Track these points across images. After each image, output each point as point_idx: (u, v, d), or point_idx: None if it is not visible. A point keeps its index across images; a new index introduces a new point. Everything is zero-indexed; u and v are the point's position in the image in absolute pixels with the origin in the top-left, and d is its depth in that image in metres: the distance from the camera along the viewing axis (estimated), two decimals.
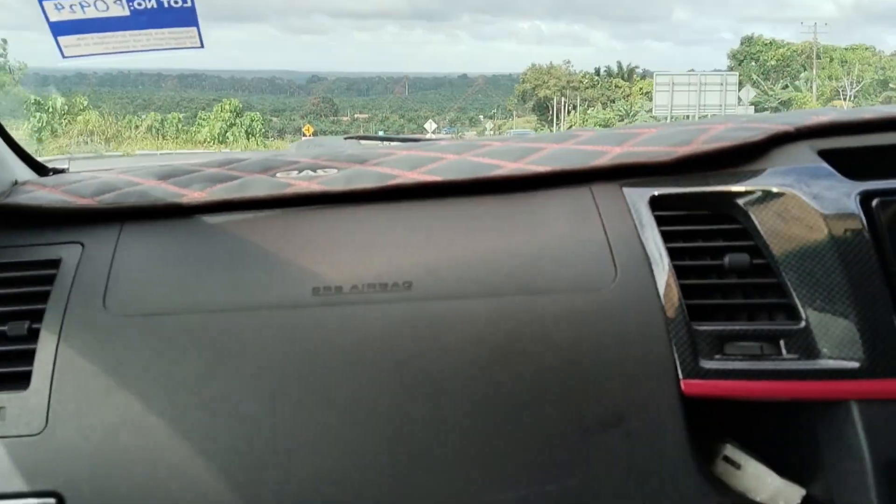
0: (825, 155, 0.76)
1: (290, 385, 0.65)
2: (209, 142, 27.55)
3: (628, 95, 53.40)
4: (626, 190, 0.75)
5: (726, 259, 0.69)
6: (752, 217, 0.70)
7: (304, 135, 39.82)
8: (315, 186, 0.79)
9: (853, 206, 0.68)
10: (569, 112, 52.32)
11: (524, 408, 0.63)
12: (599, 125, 49.75)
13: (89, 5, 0.75)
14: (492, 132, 47.95)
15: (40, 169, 0.95)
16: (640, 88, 53.54)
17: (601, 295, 0.67)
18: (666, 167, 0.76)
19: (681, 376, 0.64)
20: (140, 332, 0.67)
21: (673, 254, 0.69)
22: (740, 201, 0.72)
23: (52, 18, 0.75)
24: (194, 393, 0.65)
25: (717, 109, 29.23)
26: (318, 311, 0.68)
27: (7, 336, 0.68)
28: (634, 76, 56.74)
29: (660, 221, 0.72)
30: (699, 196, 0.73)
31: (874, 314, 0.64)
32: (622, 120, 48.40)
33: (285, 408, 0.64)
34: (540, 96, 53.98)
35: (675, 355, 0.64)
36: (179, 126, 26.19)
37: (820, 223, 0.67)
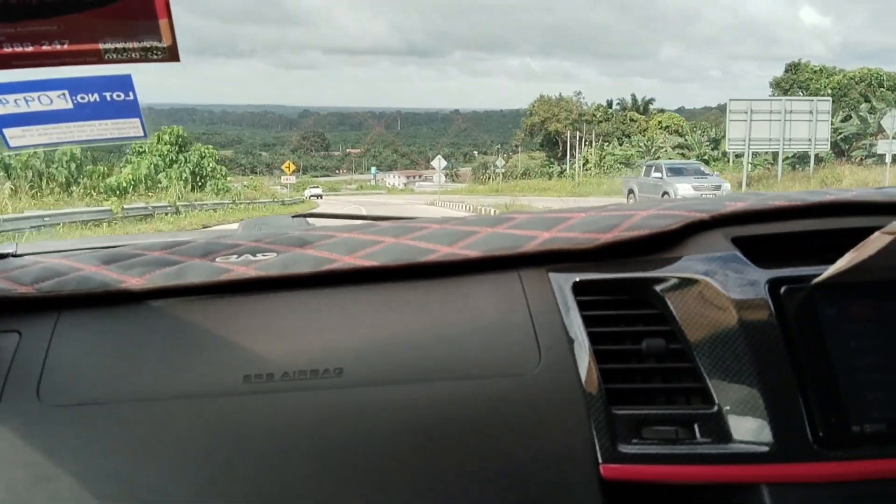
0: (738, 242, 0.78)
1: (219, 475, 0.64)
2: (124, 189, 18.53)
3: (645, 130, 46.83)
4: (551, 275, 0.77)
5: (644, 344, 0.70)
6: (668, 303, 0.72)
7: (284, 172, 32.23)
8: (251, 272, 0.79)
9: (762, 293, 0.69)
10: (581, 148, 45.40)
11: (451, 495, 0.64)
12: (620, 163, 42.85)
13: (33, 100, 0.77)
14: (503, 169, 40.84)
15: None
16: (659, 122, 46.95)
17: (525, 380, 0.68)
18: (589, 253, 0.79)
19: (600, 460, 0.64)
20: (72, 422, 0.67)
21: (594, 338, 0.70)
22: (657, 287, 0.73)
23: None
24: (124, 483, 0.63)
25: (806, 145, 21.96)
26: (249, 399, 0.67)
27: None
28: (651, 110, 50.06)
29: (582, 306, 0.73)
30: (619, 282, 0.76)
31: (782, 399, 0.65)
32: (643, 157, 41.76)
33: (215, 499, 0.63)
34: (550, 130, 47.15)
35: (595, 439, 0.65)
36: (73, 166, 16.97)
37: (731, 310, 0.69)
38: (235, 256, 0.83)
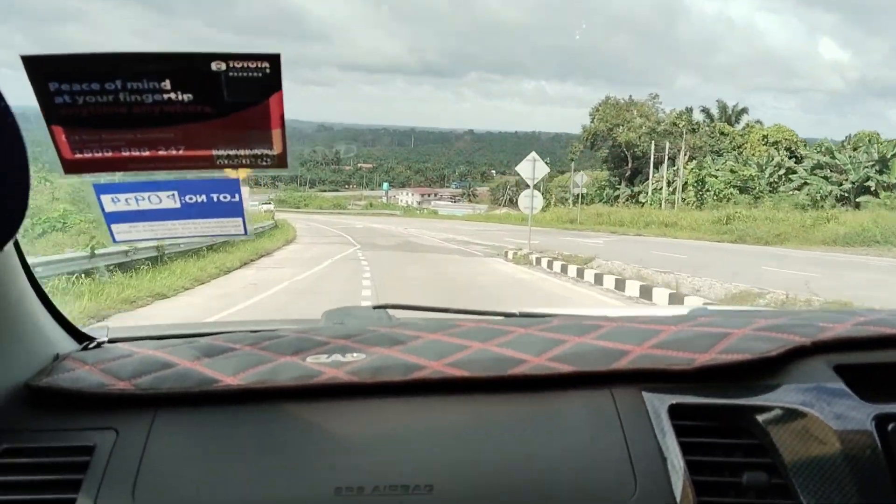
0: (841, 370, 0.74)
1: None
2: None
3: (741, 146, 33.78)
4: (646, 395, 0.74)
5: (744, 477, 0.66)
6: (770, 434, 0.68)
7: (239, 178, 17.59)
8: (342, 376, 0.77)
9: (869, 428, 0.66)
10: (658, 165, 32.25)
11: None
12: (734, 187, 29.48)
13: (144, 199, 0.77)
14: (583, 189, 27.75)
15: (80, 336, 0.93)
16: (764, 137, 33.70)
17: None
18: (685, 374, 0.74)
19: None
20: None
21: (692, 468, 0.66)
22: (758, 417, 0.69)
23: (108, 209, 0.77)
24: None
25: None
26: None
27: None
28: (748, 122, 36.66)
29: (679, 432, 0.69)
30: (718, 408, 0.72)
31: None
32: (758, 180, 28.86)
33: None
34: (620, 141, 34.05)
35: None
36: None
37: (836, 445, 0.65)
38: (325, 356, 0.81)
